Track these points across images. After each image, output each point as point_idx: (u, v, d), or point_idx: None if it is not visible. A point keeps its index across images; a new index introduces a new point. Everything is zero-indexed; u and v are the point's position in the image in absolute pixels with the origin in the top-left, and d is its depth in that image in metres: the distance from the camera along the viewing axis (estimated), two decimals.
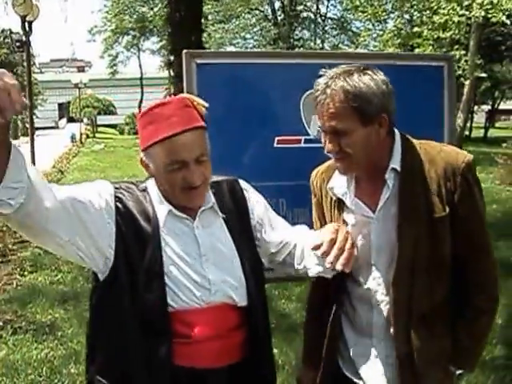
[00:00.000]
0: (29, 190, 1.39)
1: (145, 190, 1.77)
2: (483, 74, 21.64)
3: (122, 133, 45.65)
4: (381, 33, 20.72)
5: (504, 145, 15.32)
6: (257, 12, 32.07)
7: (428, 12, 16.50)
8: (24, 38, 14.26)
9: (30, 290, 6.17)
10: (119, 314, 1.64)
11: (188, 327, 1.66)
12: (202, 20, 8.75)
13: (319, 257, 1.72)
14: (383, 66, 1.78)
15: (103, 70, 43.86)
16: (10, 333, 4.93)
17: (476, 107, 32.08)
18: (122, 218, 1.67)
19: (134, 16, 34.00)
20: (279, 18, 31.61)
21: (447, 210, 1.74)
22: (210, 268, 1.71)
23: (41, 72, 59.02)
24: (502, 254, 6.44)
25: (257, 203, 1.92)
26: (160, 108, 1.67)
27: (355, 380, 1.93)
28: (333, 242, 1.66)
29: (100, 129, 47.00)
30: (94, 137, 39.35)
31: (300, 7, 31.87)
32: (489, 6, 13.66)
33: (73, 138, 32.00)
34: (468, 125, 25.35)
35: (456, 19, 14.62)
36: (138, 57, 43.35)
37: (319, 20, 32.59)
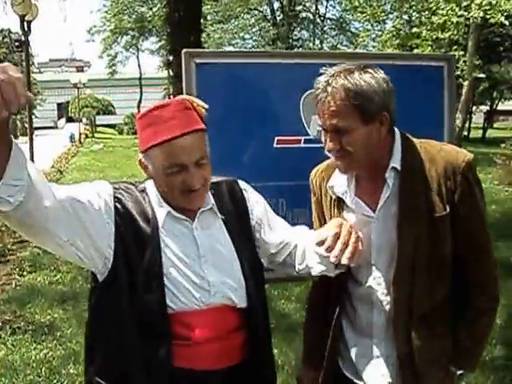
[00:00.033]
0: (29, 189, 1.38)
1: (144, 190, 1.76)
2: (482, 75, 21.66)
3: (120, 133, 45.62)
4: (379, 33, 20.72)
5: (502, 145, 15.32)
6: (256, 12, 32.04)
7: (427, 13, 16.50)
8: (23, 38, 14.25)
9: (29, 290, 6.16)
10: (118, 315, 1.64)
11: (187, 329, 1.65)
12: (201, 20, 8.75)
13: (321, 255, 1.71)
14: (383, 65, 1.77)
15: (102, 69, 43.89)
16: (8, 333, 4.92)
17: (474, 108, 32.08)
18: (121, 218, 1.66)
19: (133, 16, 34.02)
20: (278, 19, 31.61)
21: (447, 209, 1.74)
22: (209, 269, 1.70)
23: (40, 72, 59.04)
24: (502, 255, 6.44)
25: (256, 203, 1.91)
26: (159, 110, 1.65)
27: (355, 380, 1.93)
28: (337, 236, 1.64)
29: (99, 129, 46.97)
30: (93, 137, 39.34)
31: (299, 7, 31.87)
32: (487, 7, 13.67)
33: (72, 137, 31.99)
34: (466, 125, 25.39)
35: (455, 20, 14.62)
36: (137, 57, 43.43)
37: (318, 20, 32.59)
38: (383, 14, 19.01)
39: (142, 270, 1.63)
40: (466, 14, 14.29)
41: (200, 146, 1.67)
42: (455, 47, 17.17)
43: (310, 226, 2.06)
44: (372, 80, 1.67)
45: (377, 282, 1.83)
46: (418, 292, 1.77)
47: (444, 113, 2.79)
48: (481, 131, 32.18)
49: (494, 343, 4.40)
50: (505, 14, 13.86)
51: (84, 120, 44.02)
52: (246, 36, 32.40)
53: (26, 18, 13.58)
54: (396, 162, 1.77)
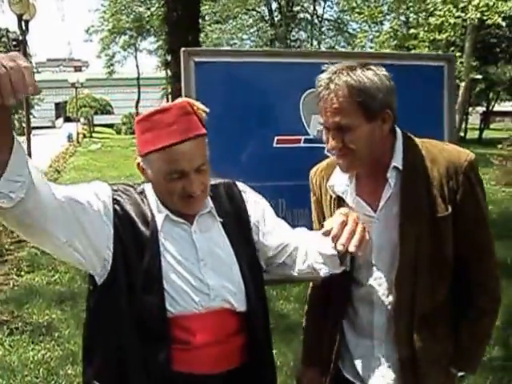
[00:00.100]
0: (29, 186, 1.36)
1: (142, 192, 1.75)
2: (478, 76, 21.72)
3: (118, 132, 45.63)
4: (377, 34, 20.77)
5: (499, 146, 15.33)
6: (254, 13, 32.07)
7: (424, 14, 16.54)
8: (20, 37, 14.24)
9: (27, 290, 6.15)
10: (117, 318, 1.62)
11: (187, 333, 1.64)
12: (199, 20, 8.75)
13: (325, 255, 1.70)
14: (383, 65, 1.75)
15: (100, 69, 43.70)
16: (6, 333, 4.92)
17: (470, 109, 32.15)
18: (119, 220, 1.65)
19: (131, 16, 33.95)
20: (276, 19, 31.65)
21: (449, 209, 1.73)
22: (208, 273, 1.69)
23: (37, 71, 59.01)
24: (499, 255, 6.33)
25: (255, 204, 1.90)
26: (160, 115, 1.63)
27: (356, 382, 1.92)
28: (343, 225, 1.60)
29: (97, 128, 46.94)
30: (91, 136, 39.30)
31: (297, 8, 31.92)
32: (484, 8, 13.71)
33: (70, 137, 32.01)
34: (463, 126, 25.44)
35: (452, 21, 14.65)
36: (135, 57, 43.26)
37: (316, 21, 32.67)
38: (381, 14, 19.04)
39: (141, 273, 1.62)
40: (463, 15, 14.33)
41: (201, 153, 1.66)
42: (452, 48, 17.27)
43: (310, 227, 2.05)
44: (375, 77, 1.65)
45: (378, 283, 1.82)
46: (419, 292, 1.76)
47: (444, 113, 2.78)
48: (477, 132, 32.24)
49: (492, 344, 4.39)
50: (502, 15, 13.92)
51: (82, 120, 43.98)
52: (244, 36, 32.46)
53: (24, 18, 13.60)
54: (398, 161, 1.75)
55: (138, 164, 1.71)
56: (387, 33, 18.91)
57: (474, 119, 36.48)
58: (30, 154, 12.20)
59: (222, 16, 29.99)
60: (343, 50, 29.03)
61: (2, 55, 1.19)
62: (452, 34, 15.36)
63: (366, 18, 18.86)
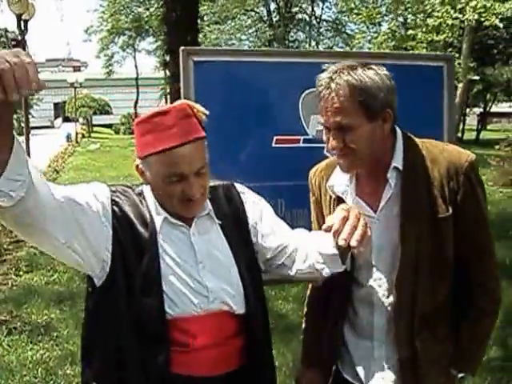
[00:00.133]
0: (29, 185, 1.35)
1: (141, 193, 1.74)
2: (476, 77, 21.79)
3: (117, 132, 45.63)
4: (375, 35, 20.82)
5: (497, 147, 15.35)
6: (252, 13, 32.16)
7: (422, 15, 16.58)
8: (20, 37, 14.23)
9: (26, 290, 6.14)
10: (116, 320, 1.61)
11: (185, 335, 1.64)
12: (198, 20, 8.75)
13: (325, 254, 1.70)
14: (382, 65, 1.75)
15: (99, 69, 43.73)
16: (4, 333, 4.91)
17: (468, 110, 32.19)
18: (118, 221, 1.64)
19: (130, 16, 33.98)
20: (274, 20, 31.73)
21: (450, 210, 1.72)
22: (206, 276, 1.68)
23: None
24: (497, 256, 6.41)
25: (254, 205, 1.89)
26: (160, 117, 1.61)
27: (355, 383, 1.91)
28: (345, 220, 1.59)
29: (96, 128, 46.89)
30: (90, 136, 39.26)
31: (295, 9, 32.01)
32: (482, 10, 13.79)
33: (68, 137, 31.99)
34: (460, 127, 25.48)
35: (450, 22, 14.73)
36: (134, 57, 43.29)
37: (314, 22, 32.77)
38: (379, 15, 19.10)
39: (140, 275, 1.61)
40: (460, 16, 14.42)
41: (200, 156, 1.65)
42: (450, 49, 17.31)
43: (310, 227, 2.04)
44: (376, 76, 1.64)
45: (378, 284, 1.81)
46: (420, 292, 1.75)
47: (444, 113, 2.78)
48: (474, 133, 32.29)
49: (491, 344, 4.39)
50: (499, 16, 13.99)
51: (81, 120, 43.97)
52: (243, 37, 32.56)
53: (23, 17, 13.59)
54: (398, 161, 1.74)
55: (137, 166, 1.70)
56: (385, 34, 18.98)
57: (472, 120, 36.53)
58: (28, 154, 12.16)
59: (221, 16, 30.06)
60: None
61: (5, 51, 1.18)
62: (450, 35, 15.47)
63: (364, 18, 18.95)
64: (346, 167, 1.77)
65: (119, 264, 1.61)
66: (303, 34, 33.53)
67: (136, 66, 44.39)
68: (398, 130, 1.80)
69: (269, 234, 1.86)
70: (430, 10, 15.56)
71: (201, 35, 20.28)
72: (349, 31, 31.56)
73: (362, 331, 1.88)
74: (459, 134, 25.35)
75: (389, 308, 1.80)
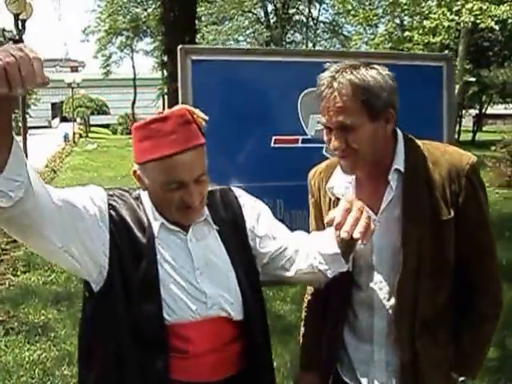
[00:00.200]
0: (27, 186, 1.34)
1: (138, 198, 1.72)
2: (472, 79, 21.86)
3: (115, 133, 45.61)
4: (372, 37, 20.87)
5: (493, 148, 15.40)
6: (250, 15, 32.25)
7: (419, 17, 16.64)
8: (17, 37, 14.20)
9: (23, 290, 6.14)
10: (114, 325, 1.60)
11: (184, 341, 1.62)
12: (196, 21, 8.75)
13: (326, 254, 1.69)
14: (382, 65, 1.74)
15: (96, 70, 43.82)
16: (1, 334, 4.91)
17: (463, 111, 32.31)
18: (115, 226, 1.63)
19: (128, 17, 34.03)
20: (272, 21, 31.86)
21: (452, 213, 1.70)
22: (204, 282, 1.67)
23: None
24: None
25: (251, 209, 1.87)
26: (159, 123, 1.59)
27: None
28: (347, 212, 1.56)
29: (93, 128, 46.87)
30: (87, 136, 39.27)
31: (292, 10, 32.15)
32: (478, 12, 13.87)
33: (66, 137, 31.95)
34: (456, 128, 25.59)
35: (446, 24, 14.79)
36: (132, 57, 43.37)
37: (311, 23, 32.87)
38: (375, 17, 19.15)
39: (138, 280, 1.60)
40: (457, 18, 14.49)
41: (200, 163, 1.62)
42: (446, 51, 17.33)
43: (308, 227, 2.04)
44: (378, 76, 1.62)
45: (378, 286, 1.79)
46: (421, 295, 1.73)
47: (443, 113, 2.77)
48: (470, 134, 32.37)
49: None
50: (495, 19, 14.07)
51: (78, 120, 43.97)
52: (240, 38, 32.67)
53: (21, 17, 13.57)
54: (399, 163, 1.73)
55: (135, 172, 1.67)
56: (382, 35, 19.07)
57: (467, 122, 36.65)
58: (26, 154, 12.15)
59: (218, 17, 30.16)
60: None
61: (10, 45, 1.17)
62: (446, 37, 15.57)
63: (360, 20, 18.97)
64: (348, 168, 1.74)
65: (117, 268, 1.60)
66: (300, 36, 33.69)
67: (133, 67, 44.52)
68: (399, 132, 1.78)
69: (267, 237, 1.84)
70: (426, 11, 15.64)
71: (198, 36, 20.30)
72: (346, 33, 31.81)
73: (361, 334, 1.86)
74: (455, 136, 25.44)
75: (389, 311, 1.78)
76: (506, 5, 13.93)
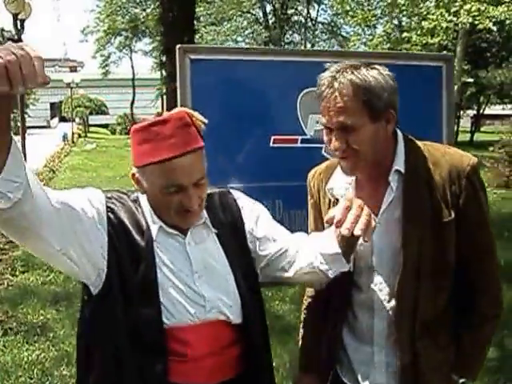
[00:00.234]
0: (26, 188, 1.33)
1: (136, 200, 1.72)
2: (470, 79, 21.90)
3: (113, 133, 45.59)
4: (370, 37, 20.90)
5: (491, 148, 15.44)
6: (248, 15, 32.35)
7: (417, 18, 16.67)
8: (16, 37, 14.21)
9: (22, 290, 6.13)
10: (113, 329, 1.59)
11: (183, 345, 1.62)
12: (195, 21, 8.76)
13: (326, 254, 1.68)
14: (381, 65, 1.73)
15: (95, 70, 43.76)
16: (0, 334, 4.89)
17: (461, 112, 32.40)
18: (113, 228, 1.62)
19: (127, 17, 34.07)
20: (270, 22, 31.97)
21: (453, 214, 1.70)
22: (203, 285, 1.66)
23: None
24: None
25: (250, 212, 1.86)
26: (159, 126, 1.57)
27: None
28: (348, 210, 1.55)
29: (92, 128, 46.84)
30: (86, 136, 39.23)
31: (291, 11, 32.27)
32: (476, 13, 13.89)
33: (65, 137, 31.95)
34: (454, 129, 25.60)
35: (444, 25, 14.81)
36: (130, 57, 43.39)
37: (310, 24, 32.93)
38: (374, 18, 19.18)
39: (137, 283, 1.59)
40: (455, 19, 14.52)
41: (199, 166, 1.62)
42: (444, 52, 17.35)
43: (307, 228, 2.03)
44: (379, 76, 1.61)
45: (378, 288, 1.78)
46: (422, 297, 1.72)
47: (443, 113, 2.77)
48: (468, 135, 32.48)
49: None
50: (493, 20, 14.10)
51: (77, 120, 43.95)
52: (239, 38, 32.77)
53: (19, 17, 13.59)
54: (400, 164, 1.72)
55: (133, 175, 1.67)
56: (380, 36, 19.10)
57: (465, 122, 36.78)
58: (24, 154, 12.16)
59: (217, 18, 30.23)
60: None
61: (10, 44, 1.16)
62: (444, 37, 15.59)
63: (359, 21, 19.00)
64: (348, 169, 1.73)
65: (115, 271, 1.59)
66: (299, 36, 33.84)
67: (132, 67, 44.54)
68: (399, 133, 1.77)
69: (266, 239, 1.83)
70: (424, 12, 15.67)
71: (197, 36, 20.29)
72: (344, 33, 31.92)
73: (361, 335, 1.85)
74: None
75: (390, 312, 1.77)
76: (503, 6, 13.96)
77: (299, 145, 2.61)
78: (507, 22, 14.73)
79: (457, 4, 14.15)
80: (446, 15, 14.63)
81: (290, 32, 33.49)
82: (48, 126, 53.89)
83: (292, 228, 1.93)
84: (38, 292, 6.03)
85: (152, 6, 28.92)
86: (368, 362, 1.84)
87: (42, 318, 5.30)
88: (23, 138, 13.16)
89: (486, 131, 37.67)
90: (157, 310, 1.59)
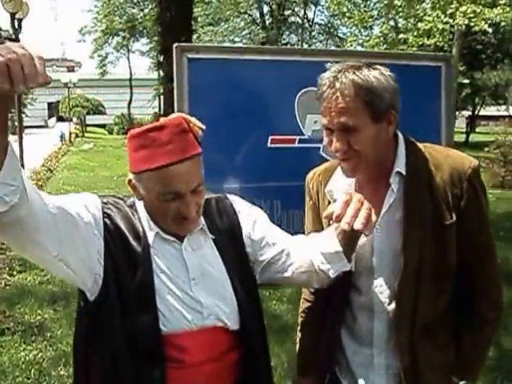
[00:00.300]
0: (22, 192, 1.32)
1: (133, 206, 1.71)
2: (465, 81, 21.97)
3: (111, 133, 45.56)
4: (367, 39, 20.91)
5: (486, 149, 15.48)
6: (245, 16, 32.40)
7: (413, 19, 16.71)
8: (13, 36, 14.19)
9: (19, 289, 6.11)
10: (110, 335, 1.58)
11: (180, 351, 1.61)
12: (192, 22, 8.75)
13: (326, 253, 1.68)
14: (380, 65, 1.72)
15: (93, 70, 43.69)
16: None
17: (457, 113, 32.53)
18: (110, 234, 1.61)
19: (124, 17, 34.09)
20: (267, 22, 32.00)
21: (454, 217, 1.68)
22: (200, 292, 1.65)
23: None
24: None
25: (248, 215, 1.85)
26: (156, 132, 1.55)
27: None
28: (347, 204, 1.54)
29: (89, 128, 46.77)
30: (84, 136, 39.18)
31: (288, 12, 32.34)
32: (472, 15, 13.96)
33: (62, 137, 31.94)
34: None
35: (440, 26, 14.85)
36: (128, 58, 43.37)
37: (306, 25, 33.01)
38: (370, 19, 19.22)
39: (134, 289, 1.58)
40: (451, 21, 14.56)
41: (197, 173, 1.60)
42: (440, 53, 17.42)
43: None
44: (381, 77, 1.59)
45: (378, 291, 1.77)
46: (422, 299, 1.71)
47: (442, 114, 2.76)
48: (463, 135, 32.59)
49: None
50: (488, 22, 14.16)
51: (74, 119, 43.89)
52: (236, 39, 32.79)
53: (17, 16, 13.58)
54: (400, 166, 1.70)
55: (130, 181, 1.65)
56: (377, 37, 19.06)
57: (460, 123, 36.95)
58: (22, 153, 12.17)
59: (215, 18, 30.26)
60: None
61: (11, 43, 1.15)
62: (440, 39, 15.62)
63: (356, 22, 19.02)
64: (349, 171, 1.71)
65: (112, 277, 1.58)
66: (296, 37, 33.88)
67: (130, 67, 44.50)
68: (400, 135, 1.76)
69: (264, 243, 1.82)
70: (421, 14, 15.72)
71: (194, 37, 20.25)
72: (341, 34, 32.01)
73: (361, 338, 1.84)
74: None
75: (389, 314, 1.76)
76: (499, 8, 14.05)
77: (297, 145, 2.60)
78: (502, 24, 14.88)
79: (453, 6, 14.22)
80: (442, 17, 14.69)
81: (287, 33, 33.62)
82: (45, 126, 53.88)
83: (290, 228, 1.93)
84: (36, 292, 6.02)
85: (150, 7, 28.97)
86: (367, 365, 1.82)
87: (39, 317, 5.29)
88: (21, 138, 13.13)
89: (481, 132, 37.88)
90: (154, 317, 1.58)
